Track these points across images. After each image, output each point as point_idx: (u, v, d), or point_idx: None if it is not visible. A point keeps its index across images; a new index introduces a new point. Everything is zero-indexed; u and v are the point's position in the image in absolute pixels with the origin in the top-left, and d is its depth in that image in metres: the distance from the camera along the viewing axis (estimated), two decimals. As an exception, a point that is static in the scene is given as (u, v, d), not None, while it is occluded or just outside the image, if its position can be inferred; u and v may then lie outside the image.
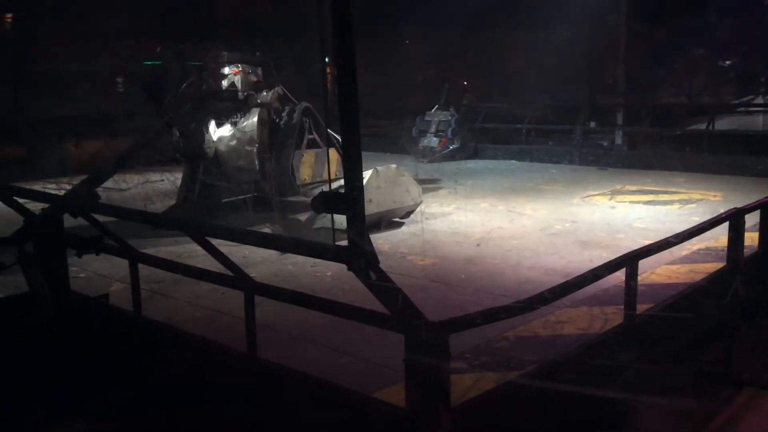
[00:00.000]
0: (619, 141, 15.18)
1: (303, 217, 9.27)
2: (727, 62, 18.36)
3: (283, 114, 9.55)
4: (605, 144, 15.31)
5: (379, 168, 8.50)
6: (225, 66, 9.75)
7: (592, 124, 15.72)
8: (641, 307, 4.54)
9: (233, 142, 9.34)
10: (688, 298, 5.07)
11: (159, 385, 4.08)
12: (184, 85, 9.48)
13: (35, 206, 4.78)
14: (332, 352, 4.58)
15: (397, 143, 16.72)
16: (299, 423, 3.51)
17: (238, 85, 9.65)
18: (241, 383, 3.73)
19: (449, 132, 16.04)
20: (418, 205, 9.07)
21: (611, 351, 4.04)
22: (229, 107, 9.54)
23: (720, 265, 5.73)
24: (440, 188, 11.88)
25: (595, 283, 4.11)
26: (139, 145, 8.12)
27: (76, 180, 4.67)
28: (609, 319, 5.01)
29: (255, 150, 9.21)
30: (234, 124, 9.47)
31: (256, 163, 9.18)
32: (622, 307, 4.44)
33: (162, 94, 9.05)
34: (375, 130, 17.30)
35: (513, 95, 17.87)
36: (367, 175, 8.23)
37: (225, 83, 9.68)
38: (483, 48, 20.72)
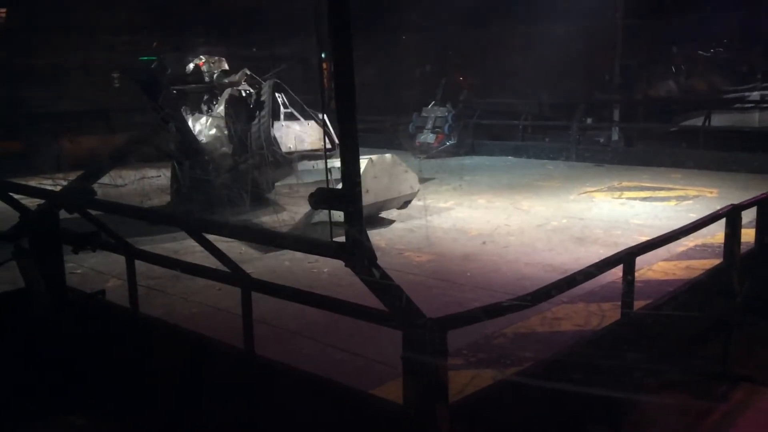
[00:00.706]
0: (615, 137, 15.18)
1: (299, 209, 9.23)
2: (711, 51, 18.26)
3: (252, 92, 9.61)
4: (602, 140, 15.31)
5: (374, 158, 8.44)
6: (189, 57, 9.81)
7: (589, 121, 15.73)
8: (638, 304, 4.54)
9: (213, 131, 9.29)
10: (685, 295, 5.08)
11: (156, 381, 4.07)
12: (145, 73, 9.45)
13: (31, 202, 4.76)
14: (329, 348, 4.57)
15: (393, 139, 16.71)
16: (296, 419, 3.51)
17: (194, 63, 9.71)
18: (238, 380, 3.73)
19: (446, 128, 16.03)
20: (415, 193, 9.00)
21: (608, 348, 4.05)
22: (199, 92, 9.52)
23: (717, 261, 5.74)
24: (437, 184, 11.87)
25: (592, 279, 4.11)
26: (136, 140, 8.10)
27: (72, 176, 4.64)
28: (606, 315, 5.02)
29: (233, 132, 9.17)
30: (209, 112, 9.45)
31: (237, 144, 9.14)
32: (618, 303, 4.45)
33: (158, 90, 9.03)
34: (371, 126, 17.28)
35: (510, 91, 17.86)
36: (362, 165, 8.13)
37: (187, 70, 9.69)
38: (480, 44, 20.69)
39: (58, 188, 4.67)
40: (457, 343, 4.09)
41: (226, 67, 9.89)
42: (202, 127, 9.41)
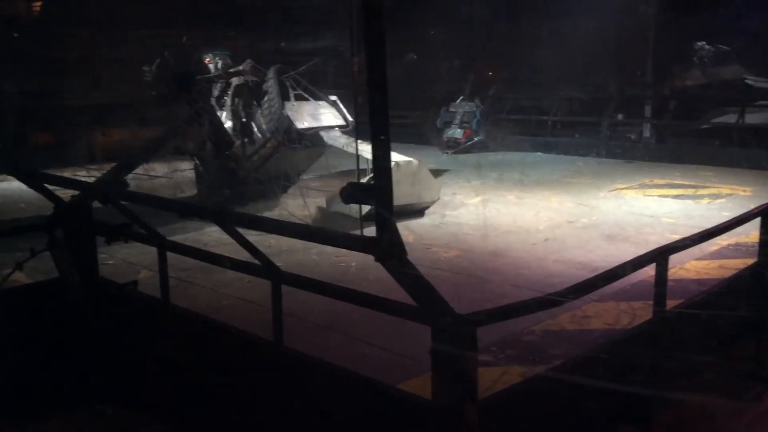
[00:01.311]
0: (647, 134, 14.99)
1: (317, 201, 9.27)
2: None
3: (257, 80, 9.83)
4: (633, 137, 15.13)
5: (400, 163, 8.46)
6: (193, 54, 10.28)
7: (620, 117, 15.54)
8: (670, 303, 4.47)
9: (228, 123, 9.68)
10: (718, 294, 4.99)
11: (186, 372, 4.11)
12: (152, 67, 9.94)
13: (65, 193, 4.83)
14: (356, 342, 4.59)
15: (421, 134, 16.66)
16: (325, 412, 3.52)
17: (206, 59, 10.16)
18: (267, 372, 3.74)
19: (474, 123, 15.94)
20: (434, 201, 9.13)
21: (640, 347, 3.99)
22: (206, 82, 9.83)
23: (750, 260, 5.63)
24: (465, 180, 11.82)
25: (622, 279, 4.06)
26: (170, 133, 8.20)
27: (105, 167, 4.70)
28: (636, 314, 4.96)
29: (244, 119, 9.56)
30: (222, 106, 9.83)
31: (255, 129, 9.55)
32: (650, 302, 4.37)
33: (191, 84, 9.13)
34: (399, 121, 17.26)
35: (540, 86, 17.71)
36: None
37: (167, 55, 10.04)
38: (509, 38, 20.53)
39: (92, 180, 4.73)
40: (486, 339, 4.07)
41: (230, 62, 10.22)
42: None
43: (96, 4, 15.25)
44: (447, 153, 15.44)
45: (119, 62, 16.33)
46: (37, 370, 4.21)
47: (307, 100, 9.72)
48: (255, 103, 9.73)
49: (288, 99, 9.52)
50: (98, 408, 4.35)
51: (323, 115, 9.62)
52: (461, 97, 16.51)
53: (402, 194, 8.42)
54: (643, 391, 3.90)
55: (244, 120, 9.62)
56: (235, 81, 9.81)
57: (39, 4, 17.07)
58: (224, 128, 9.36)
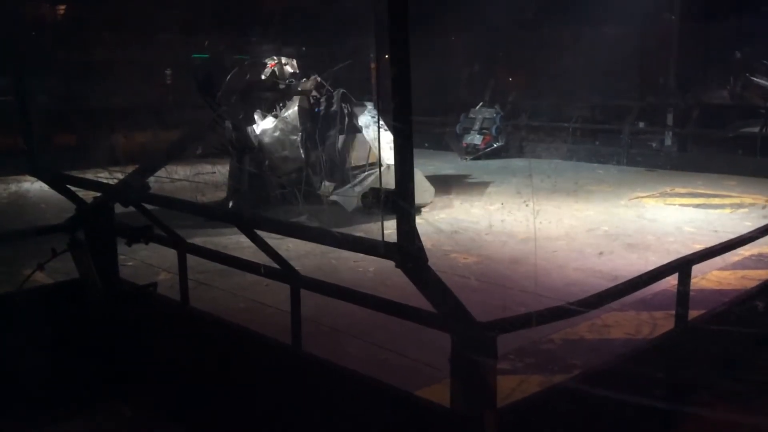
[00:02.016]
0: (668, 142, 14.86)
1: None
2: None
3: (322, 100, 9.68)
4: (654, 145, 15.00)
5: (390, 164, 8.48)
6: (263, 59, 10.12)
7: (641, 125, 15.41)
8: (692, 314, 4.42)
9: (277, 133, 9.54)
10: (741, 305, 4.93)
11: (204, 374, 4.12)
12: (228, 76, 9.73)
13: (87, 194, 4.87)
14: (374, 347, 4.57)
15: (440, 140, 16.63)
16: (342, 417, 3.51)
17: (266, 63, 10.01)
18: (285, 376, 3.74)
19: (493, 129, 15.89)
20: (426, 204, 9.36)
21: (661, 357, 3.95)
22: (272, 97, 9.80)
23: (774, 272, 5.57)
24: (483, 186, 11.78)
25: (643, 288, 4.02)
26: (192, 136, 8.25)
27: (127, 170, 4.73)
28: (657, 324, 4.91)
29: (299, 138, 9.42)
30: (275, 115, 9.71)
31: (301, 151, 9.38)
32: (671, 312, 4.33)
33: (214, 88, 9.19)
34: (418, 126, 17.21)
35: (560, 93, 17.61)
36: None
37: (263, 75, 9.94)
38: (530, 45, 20.45)
39: (114, 181, 4.76)
40: (505, 347, 4.04)
41: (296, 69, 10.16)
42: (268, 128, 9.65)
43: (121, 6, 15.40)
44: (466, 159, 15.40)
45: (143, 65, 16.48)
46: (56, 371, 4.24)
47: (358, 131, 9.50)
48: (313, 124, 9.62)
49: (342, 133, 9.43)
50: (117, 409, 4.37)
51: (363, 150, 9.43)
52: (481, 103, 16.47)
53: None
54: (664, 403, 3.85)
55: (302, 139, 9.56)
56: (297, 99, 9.70)
57: (63, 6, 17.27)
58: (247, 133, 9.36)
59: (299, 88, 9.77)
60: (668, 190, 11.19)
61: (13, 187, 11.82)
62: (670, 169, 13.44)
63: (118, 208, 4.59)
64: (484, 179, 12.48)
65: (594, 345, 4.73)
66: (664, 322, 4.69)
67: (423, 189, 9.22)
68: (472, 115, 16.33)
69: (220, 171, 10.00)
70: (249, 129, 9.56)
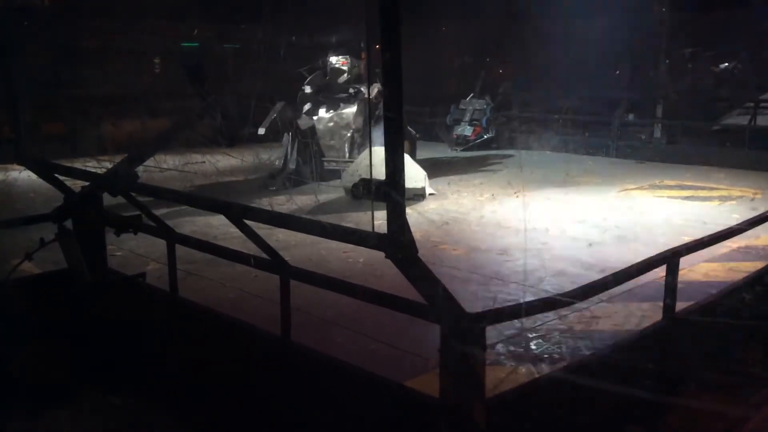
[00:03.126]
0: (657, 134, 14.92)
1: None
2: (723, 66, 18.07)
3: (380, 106, 10.08)
4: (643, 137, 15.05)
5: (375, 148, 8.97)
6: (336, 57, 11.54)
7: (631, 116, 15.46)
8: (679, 305, 4.45)
9: (331, 124, 11.14)
10: (728, 297, 4.96)
11: (193, 364, 4.11)
12: (310, 77, 11.35)
13: (75, 184, 4.84)
14: (364, 338, 4.58)
15: (431, 131, 16.62)
16: (331, 407, 3.51)
17: (345, 71, 11.46)
18: (274, 366, 3.74)
19: (484, 121, 15.89)
20: (422, 188, 9.69)
21: (649, 348, 3.98)
22: (340, 99, 11.35)
23: (761, 264, 5.60)
24: (473, 178, 11.79)
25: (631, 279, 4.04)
26: (181, 125, 8.25)
27: (116, 159, 4.70)
28: (646, 315, 4.94)
29: (349, 134, 11.03)
30: (334, 109, 11.24)
31: (347, 146, 10.98)
32: (659, 303, 4.35)
33: (204, 76, 9.21)
34: (408, 117, 17.21)
35: (550, 85, 17.63)
36: (364, 154, 9.72)
37: (333, 68, 11.47)
38: (521, 36, 20.43)
39: (102, 171, 4.73)
40: (493, 338, 4.07)
41: (363, 70, 11.49)
42: (324, 118, 11.22)
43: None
44: (456, 150, 15.41)
45: (132, 53, 16.35)
46: (44, 360, 4.22)
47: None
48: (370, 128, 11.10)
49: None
50: (106, 398, 4.36)
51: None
52: (471, 95, 16.46)
53: (379, 177, 9.04)
54: (652, 393, 3.88)
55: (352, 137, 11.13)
56: (356, 102, 11.13)
57: (51, -6, 17.08)
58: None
59: (366, 95, 11.14)
60: (657, 182, 11.24)
61: (1, 176, 11.74)
62: (659, 161, 13.50)
63: (107, 198, 4.56)
64: (473, 171, 12.50)
65: (583, 336, 4.76)
66: (652, 313, 4.72)
67: (410, 172, 9.53)
68: (462, 107, 16.33)
69: (209, 160, 10.04)
70: (305, 117, 11.08)
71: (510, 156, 14.81)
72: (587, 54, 17.16)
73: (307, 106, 11.23)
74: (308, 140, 10.89)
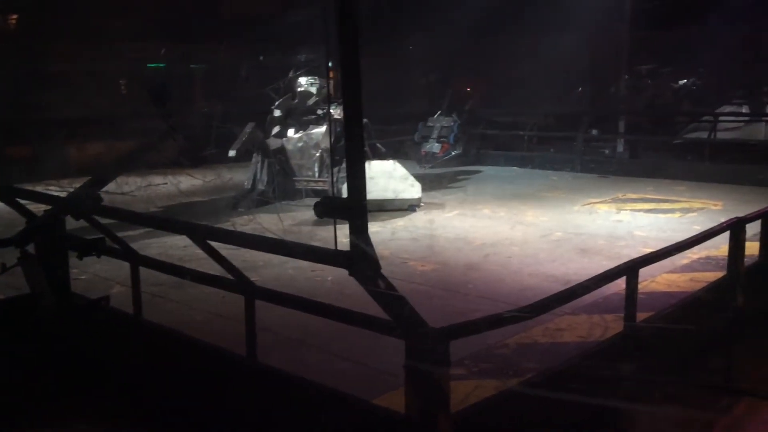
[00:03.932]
0: (620, 149, 15.19)
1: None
2: (682, 82, 18.65)
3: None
4: (607, 152, 15.32)
5: (372, 161, 9.74)
6: (305, 78, 11.58)
7: (594, 132, 15.73)
8: (641, 316, 4.54)
9: (300, 144, 11.22)
10: (689, 307, 5.08)
11: (159, 388, 4.09)
12: (279, 101, 11.37)
13: (37, 208, 4.80)
14: (333, 357, 4.59)
15: (398, 148, 16.72)
16: (298, 426, 3.52)
17: (314, 93, 11.49)
18: (241, 387, 3.74)
19: (451, 138, 16.03)
20: (418, 198, 10.04)
21: (611, 359, 4.05)
22: (308, 120, 11.48)
23: (721, 274, 5.73)
24: (441, 194, 11.89)
25: (595, 291, 4.12)
26: (143, 148, 8.22)
27: (79, 182, 4.67)
28: (609, 327, 5.02)
29: (318, 154, 11.09)
30: (304, 129, 11.32)
31: (316, 166, 11.07)
32: (622, 315, 4.45)
33: (167, 97, 9.21)
34: (376, 135, 17.30)
35: (516, 101, 17.89)
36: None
37: (301, 91, 11.50)
38: (487, 54, 20.73)
39: (65, 194, 4.70)
40: (460, 353, 4.10)
41: (332, 90, 11.55)
42: (294, 138, 11.27)
43: (74, 17, 15.16)
44: (425, 167, 15.50)
45: (96, 76, 16.23)
46: (7, 386, 4.16)
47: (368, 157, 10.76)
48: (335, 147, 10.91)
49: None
50: (69, 422, 4.30)
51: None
52: (439, 112, 16.62)
53: (380, 189, 9.61)
54: (615, 402, 3.95)
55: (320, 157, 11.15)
56: (325, 123, 11.14)
57: (15, 16, 16.92)
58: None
59: (336, 116, 10.92)
60: (620, 195, 11.43)
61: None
62: (622, 175, 13.73)
63: (70, 221, 4.54)
64: (441, 187, 12.60)
65: (547, 348, 4.82)
66: (615, 324, 4.80)
67: (405, 183, 10.02)
68: (430, 124, 16.46)
69: (171, 182, 10.00)
70: (274, 138, 11.17)
71: (477, 172, 14.96)
72: (552, 71, 17.51)
73: (276, 129, 11.31)
74: (278, 160, 10.97)
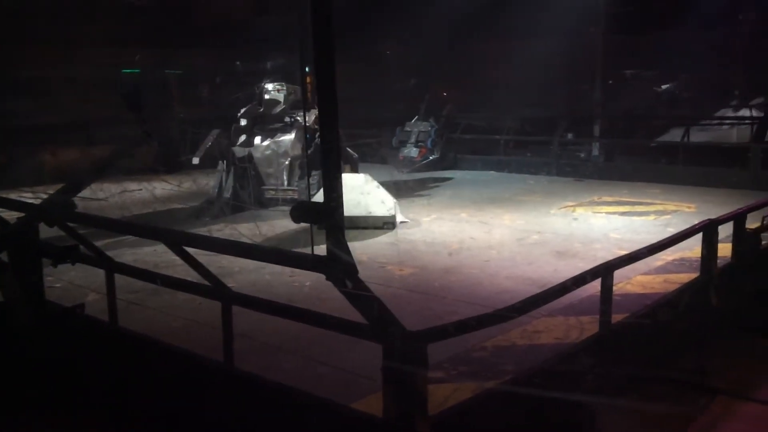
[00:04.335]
0: (596, 152, 15.34)
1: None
2: (663, 86, 18.92)
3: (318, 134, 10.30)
4: (582, 155, 15.47)
5: (344, 175, 8.70)
6: (271, 84, 11.40)
7: (570, 136, 15.88)
8: (616, 317, 4.59)
9: (268, 152, 10.91)
10: (663, 308, 5.14)
11: (135, 395, 4.05)
12: (245, 109, 11.16)
13: (10, 215, 4.73)
14: (311, 362, 4.57)
15: (376, 153, 16.75)
16: (276, 433, 3.51)
17: (281, 100, 11.28)
18: (217, 393, 3.71)
19: (429, 142, 16.11)
20: (392, 216, 9.35)
21: (587, 360, 4.08)
22: (275, 128, 11.22)
23: (694, 275, 5.81)
24: (419, 198, 11.92)
25: (572, 293, 4.16)
26: (118, 154, 8.16)
27: (53, 188, 4.62)
28: (585, 328, 5.06)
29: (287, 162, 10.84)
30: (271, 137, 11.05)
31: (285, 174, 10.82)
32: (598, 316, 4.49)
33: (142, 103, 9.13)
34: (355, 140, 17.31)
35: (492, 106, 18.00)
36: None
37: (266, 97, 11.30)
38: (463, 59, 20.86)
39: (39, 201, 4.65)
40: (439, 356, 4.11)
41: (299, 96, 11.28)
42: (261, 146, 10.96)
43: (48, 22, 15.01)
44: (403, 171, 15.54)
45: (70, 82, 16.08)
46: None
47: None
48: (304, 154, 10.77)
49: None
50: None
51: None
52: (416, 117, 16.68)
53: (349, 206, 8.97)
54: (592, 402, 3.98)
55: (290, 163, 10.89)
56: (294, 130, 10.94)
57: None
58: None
59: (298, 120, 10.99)
60: (596, 198, 11.55)
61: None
62: (597, 178, 13.87)
63: (44, 229, 4.48)
64: (419, 192, 12.63)
65: (525, 350, 4.85)
66: (591, 326, 4.84)
67: (378, 200, 9.39)
68: (407, 129, 16.52)
69: (146, 188, 9.92)
70: (240, 148, 10.86)
71: (455, 177, 15.02)
72: (528, 75, 17.63)
73: (242, 137, 11.05)
74: (246, 168, 10.75)
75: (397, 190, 12.31)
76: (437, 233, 9.03)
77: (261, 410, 3.56)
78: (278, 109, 11.29)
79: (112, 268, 4.32)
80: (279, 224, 9.34)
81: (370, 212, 9.20)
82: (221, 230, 8.78)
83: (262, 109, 11.28)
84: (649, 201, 11.17)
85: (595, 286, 4.38)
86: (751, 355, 5.80)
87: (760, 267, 6.17)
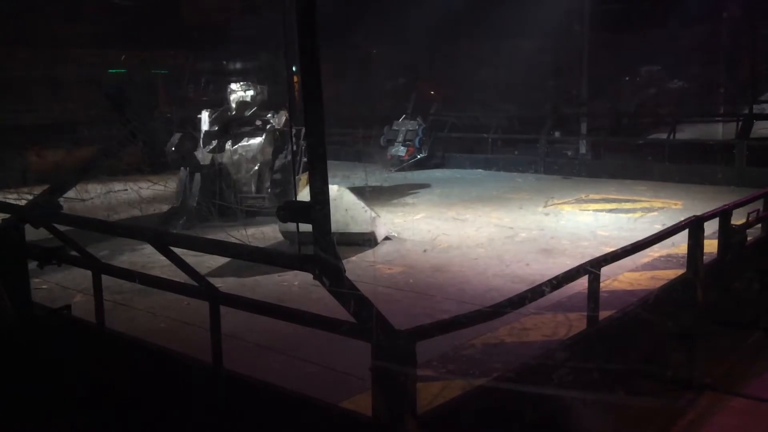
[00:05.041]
0: (583, 150, 15.42)
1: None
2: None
3: (287, 138, 10.45)
4: (569, 153, 15.53)
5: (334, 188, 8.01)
6: (237, 84, 10.97)
7: (557, 134, 15.94)
8: (604, 314, 4.60)
9: (236, 157, 10.32)
10: (650, 305, 5.16)
11: (123, 397, 4.02)
12: (216, 113, 10.67)
13: (-5, 216, 4.70)
14: (300, 362, 4.56)
15: (364, 152, 16.76)
16: (265, 433, 3.50)
17: (248, 100, 10.78)
18: (206, 394, 3.70)
19: (416, 141, 16.13)
20: (368, 232, 8.18)
21: (575, 357, 4.10)
22: (245, 132, 10.64)
23: (681, 271, 5.84)
24: (407, 197, 11.93)
25: (560, 290, 4.17)
26: (103, 154, 8.11)
27: (38, 190, 4.59)
28: (573, 325, 5.08)
29: (256, 168, 10.28)
30: (239, 141, 10.45)
31: (254, 181, 10.27)
32: (585, 313, 4.50)
33: (127, 103, 9.06)
34: (342, 139, 17.32)
35: (480, 104, 18.05)
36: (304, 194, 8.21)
37: (234, 99, 10.82)
38: (451, 57, 20.89)
39: (24, 202, 4.62)
40: (428, 354, 4.12)
41: (266, 96, 10.89)
42: (229, 150, 10.38)
43: (31, 23, 14.90)
44: (391, 170, 15.56)
45: (55, 82, 15.98)
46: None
47: None
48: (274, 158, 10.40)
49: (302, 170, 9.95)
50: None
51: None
52: (404, 116, 16.70)
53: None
54: (580, 398, 4.00)
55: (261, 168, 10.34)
56: (263, 134, 10.42)
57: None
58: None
59: (272, 124, 10.50)
60: (583, 196, 11.59)
61: None
62: (584, 176, 13.93)
63: (30, 230, 4.45)
64: (407, 190, 12.64)
65: (514, 348, 4.86)
66: (579, 323, 4.86)
67: (355, 214, 8.13)
68: (395, 127, 16.54)
69: (132, 188, 9.85)
70: (202, 151, 10.32)
71: (442, 175, 15.04)
72: (515, 74, 17.69)
73: (213, 143, 10.40)
74: (214, 173, 10.09)
75: (384, 189, 12.34)
76: (426, 232, 9.04)
77: (250, 411, 3.55)
78: (249, 111, 10.70)
79: (99, 269, 4.29)
80: (266, 227, 9.12)
81: (347, 228, 7.93)
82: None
83: (233, 113, 10.69)
84: (636, 198, 11.23)
85: (582, 283, 4.39)
86: (737, 351, 5.86)
87: (746, 263, 6.22)
